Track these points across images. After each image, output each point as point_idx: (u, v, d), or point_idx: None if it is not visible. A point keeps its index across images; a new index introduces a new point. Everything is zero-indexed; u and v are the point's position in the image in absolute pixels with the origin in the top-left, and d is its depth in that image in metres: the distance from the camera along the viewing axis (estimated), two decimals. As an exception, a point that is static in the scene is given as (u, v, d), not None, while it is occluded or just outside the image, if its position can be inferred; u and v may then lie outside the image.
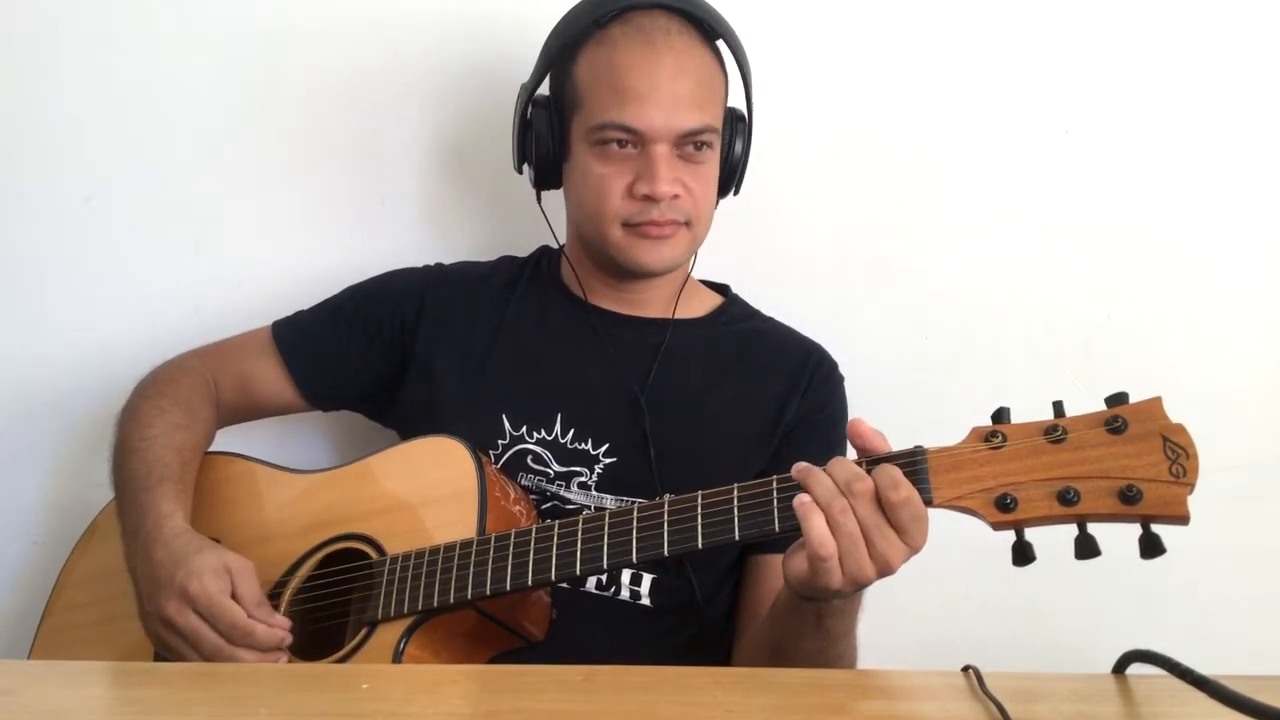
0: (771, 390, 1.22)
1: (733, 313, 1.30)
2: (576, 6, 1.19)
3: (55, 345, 1.47)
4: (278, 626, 1.02)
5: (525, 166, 1.24)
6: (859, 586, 0.88)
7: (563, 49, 1.18)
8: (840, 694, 0.79)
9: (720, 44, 1.19)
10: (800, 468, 0.88)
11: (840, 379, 1.27)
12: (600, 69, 1.15)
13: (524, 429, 1.18)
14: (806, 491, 0.87)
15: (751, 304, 1.33)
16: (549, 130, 1.19)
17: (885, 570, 0.86)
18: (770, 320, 1.31)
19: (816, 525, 0.85)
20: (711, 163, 1.18)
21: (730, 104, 1.22)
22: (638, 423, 1.18)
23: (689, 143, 1.15)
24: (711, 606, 1.17)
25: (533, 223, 1.29)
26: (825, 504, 0.85)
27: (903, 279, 1.45)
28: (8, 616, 1.46)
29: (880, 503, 0.85)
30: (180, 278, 1.46)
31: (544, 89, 1.22)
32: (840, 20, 1.43)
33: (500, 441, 1.18)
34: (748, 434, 1.20)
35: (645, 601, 1.14)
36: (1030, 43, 1.42)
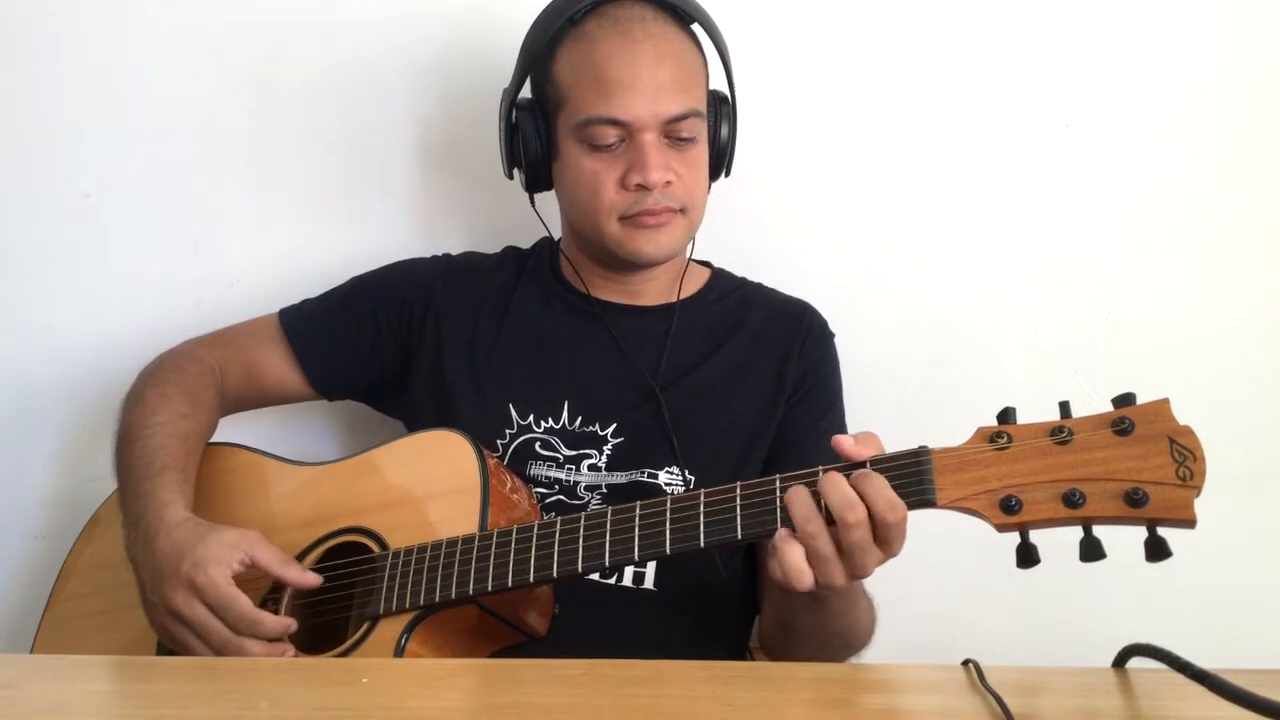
0: (770, 355, 1.24)
1: (722, 286, 1.31)
2: (548, 6, 1.19)
3: (54, 341, 1.48)
4: (309, 580, 1.05)
5: (515, 171, 1.25)
6: (831, 590, 0.87)
7: (540, 50, 1.18)
8: (840, 688, 0.79)
9: (696, 27, 1.19)
10: (789, 495, 0.87)
11: (831, 335, 1.28)
12: (580, 65, 1.15)
13: (531, 418, 1.19)
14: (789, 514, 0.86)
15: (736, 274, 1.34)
16: (535, 132, 1.19)
17: (859, 576, 0.86)
18: (757, 286, 1.33)
19: (793, 560, 0.85)
20: (700, 147, 1.18)
21: (712, 87, 1.22)
22: (645, 403, 1.19)
23: (676, 129, 1.15)
24: (717, 583, 1.17)
25: (532, 214, 1.29)
26: (799, 528, 0.85)
27: (903, 276, 1.45)
28: (9, 611, 1.46)
29: (875, 523, 0.84)
30: (180, 273, 1.46)
31: (526, 92, 1.22)
32: (838, 13, 1.42)
33: (508, 431, 1.19)
34: (753, 400, 1.21)
35: (649, 586, 1.14)
36: (1031, 36, 1.41)
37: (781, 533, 0.86)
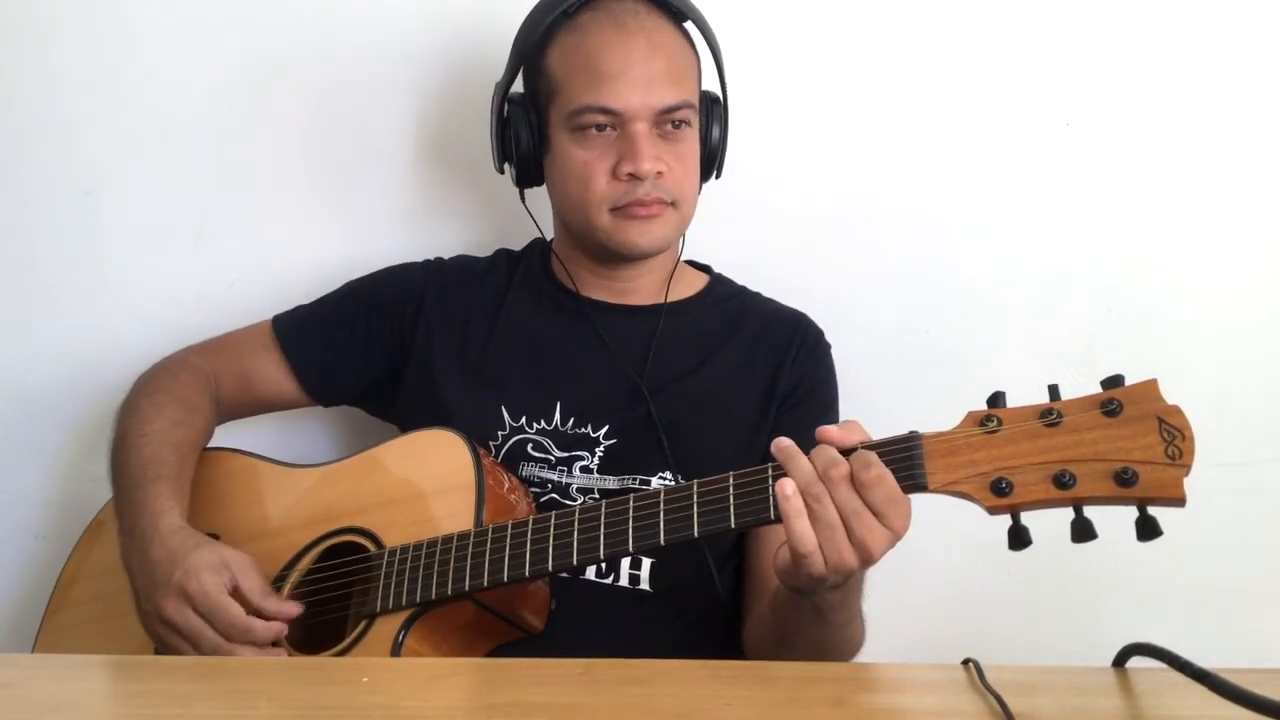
0: (764, 362, 1.23)
1: (719, 292, 1.31)
2: (542, 0, 1.20)
3: (55, 341, 1.48)
4: (288, 611, 1.03)
5: (507, 166, 1.25)
6: (843, 575, 0.87)
7: (533, 43, 1.18)
8: (839, 687, 0.79)
9: (690, 26, 1.20)
10: (782, 448, 0.88)
11: (827, 346, 1.28)
12: (573, 55, 1.15)
13: (523, 419, 1.19)
14: (787, 474, 0.86)
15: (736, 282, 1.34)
16: (527, 125, 1.20)
17: (866, 558, 0.85)
18: (756, 295, 1.32)
19: (797, 522, 0.85)
20: (691, 141, 1.19)
21: (705, 88, 1.22)
22: (637, 405, 1.19)
23: (667, 120, 1.15)
24: (712, 587, 1.17)
25: (527, 218, 1.29)
26: (803, 490, 0.85)
27: (902, 270, 1.45)
28: (10, 611, 1.46)
29: (855, 485, 0.84)
30: (179, 273, 1.46)
31: (518, 86, 1.23)
32: (834, 13, 1.42)
33: (500, 433, 1.19)
34: (747, 407, 1.21)
35: (645, 586, 1.14)
36: (1032, 34, 1.41)
37: (786, 496, 0.85)
